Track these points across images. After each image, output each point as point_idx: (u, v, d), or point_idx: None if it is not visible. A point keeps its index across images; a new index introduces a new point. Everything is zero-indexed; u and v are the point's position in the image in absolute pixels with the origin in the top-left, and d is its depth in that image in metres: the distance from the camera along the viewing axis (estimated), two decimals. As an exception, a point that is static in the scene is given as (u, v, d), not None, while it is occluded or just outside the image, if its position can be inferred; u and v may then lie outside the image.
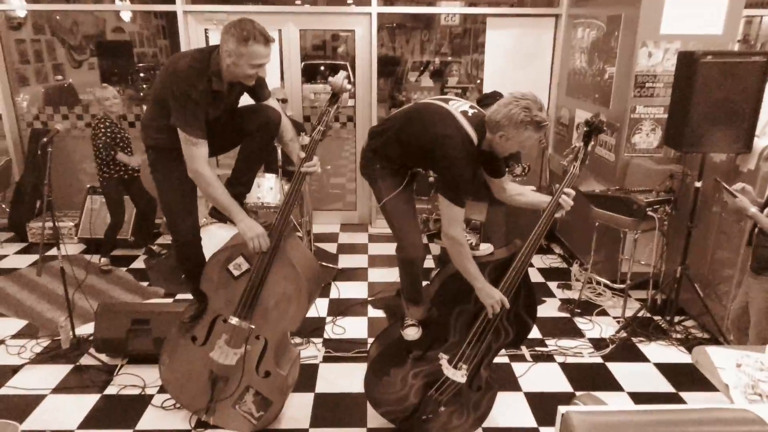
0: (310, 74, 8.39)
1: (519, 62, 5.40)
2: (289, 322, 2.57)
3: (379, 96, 5.73)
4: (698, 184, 3.47)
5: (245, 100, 2.61)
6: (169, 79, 2.31)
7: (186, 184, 2.48)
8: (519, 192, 2.55)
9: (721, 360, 2.10)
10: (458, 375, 2.50)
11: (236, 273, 2.50)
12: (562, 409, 1.26)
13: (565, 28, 5.20)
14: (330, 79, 2.32)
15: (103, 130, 4.28)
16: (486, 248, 2.50)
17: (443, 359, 2.53)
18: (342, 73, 2.33)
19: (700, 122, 3.25)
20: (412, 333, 2.55)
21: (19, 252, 4.99)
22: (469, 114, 2.32)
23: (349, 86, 2.33)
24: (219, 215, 2.54)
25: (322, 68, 8.93)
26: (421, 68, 8.00)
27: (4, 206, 5.38)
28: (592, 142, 2.33)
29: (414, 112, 2.41)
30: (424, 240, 5.31)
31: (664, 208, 3.68)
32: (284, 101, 4.61)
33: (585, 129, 2.31)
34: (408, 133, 2.37)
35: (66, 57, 6.46)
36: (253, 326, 2.54)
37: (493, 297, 2.35)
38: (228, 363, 2.59)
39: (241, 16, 2.36)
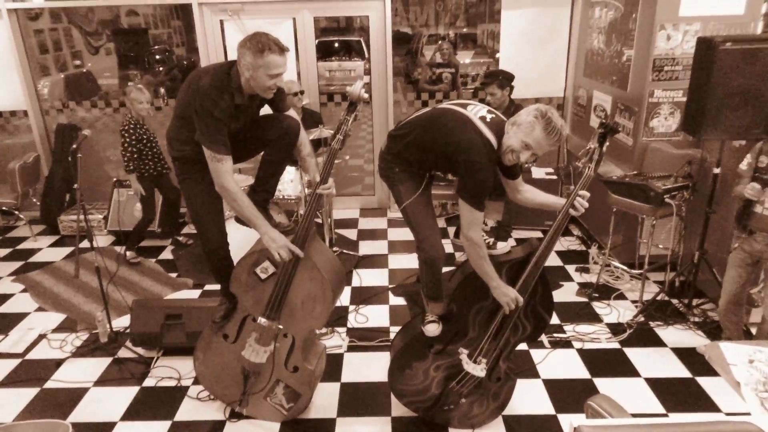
0: (324, 51, 8.38)
1: (536, 41, 5.34)
2: (315, 321, 2.69)
3: (395, 70, 5.71)
4: (717, 171, 3.46)
5: (265, 110, 2.69)
6: (191, 98, 2.39)
7: (213, 194, 2.58)
8: (534, 193, 2.60)
9: (734, 356, 2.16)
10: (478, 369, 2.61)
11: (263, 276, 2.62)
12: (574, 422, 1.35)
13: (582, 6, 5.12)
14: (348, 89, 2.37)
15: (130, 132, 4.36)
16: (503, 247, 2.58)
17: (463, 354, 2.63)
18: (359, 83, 2.38)
19: (719, 109, 3.22)
20: (432, 329, 2.65)
21: (52, 245, 5.20)
22: (488, 119, 2.37)
23: (366, 95, 2.39)
24: (244, 222, 2.64)
25: (336, 45, 8.92)
26: (438, 41, 7.93)
27: (35, 200, 5.58)
28: (607, 143, 2.36)
29: (434, 119, 2.45)
30: (443, 224, 5.40)
31: (682, 194, 3.68)
32: (301, 93, 4.65)
33: (600, 131, 2.34)
34: (429, 140, 2.42)
35: (83, 43, 6.58)
36: (281, 326, 2.67)
37: (508, 295, 2.44)
38: (258, 361, 2.74)
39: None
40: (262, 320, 2.66)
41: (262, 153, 2.76)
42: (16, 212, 5.43)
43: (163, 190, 4.79)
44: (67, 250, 5.03)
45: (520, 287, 2.46)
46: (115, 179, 5.28)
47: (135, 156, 4.42)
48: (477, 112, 2.38)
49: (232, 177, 2.48)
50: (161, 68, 7.41)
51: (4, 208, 5.39)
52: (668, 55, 3.87)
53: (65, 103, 5.85)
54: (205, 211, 2.67)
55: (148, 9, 6.96)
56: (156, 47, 7.39)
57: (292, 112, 2.68)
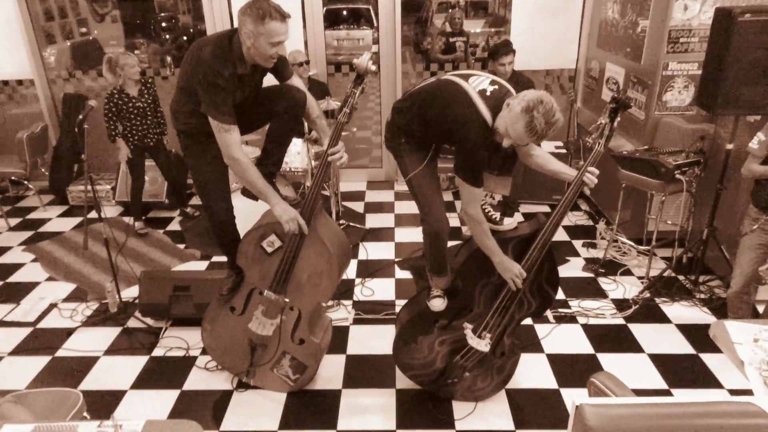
0: (332, 19, 8.22)
1: (548, 10, 5.20)
2: (321, 295, 2.71)
3: (404, 39, 5.59)
4: (730, 146, 3.40)
5: (269, 80, 2.64)
6: (194, 69, 2.36)
7: (218, 166, 2.57)
8: (546, 159, 2.55)
9: (739, 335, 2.15)
10: (482, 344, 2.63)
11: (269, 250, 2.63)
12: (576, 401, 1.35)
13: (597, -26, 4.98)
14: (355, 61, 2.33)
15: (108, 101, 4.34)
16: (509, 223, 2.56)
17: (468, 329, 2.65)
18: (367, 54, 2.33)
19: (735, 83, 3.13)
20: (437, 304, 2.66)
21: (62, 215, 5.24)
22: (488, 93, 2.30)
23: (373, 67, 2.34)
24: (251, 194, 2.63)
25: (345, 13, 8.74)
26: (449, 9, 7.75)
27: (43, 170, 5.60)
28: (618, 119, 2.32)
29: (433, 91, 2.40)
30: (450, 198, 5.37)
31: (693, 170, 3.63)
32: (307, 63, 4.59)
33: (611, 106, 2.30)
34: (429, 113, 2.39)
35: (89, 11, 6.49)
36: (287, 299, 2.69)
37: (511, 271, 2.43)
38: (265, 333, 2.77)
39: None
40: (268, 293, 2.68)
41: (268, 125, 2.73)
42: (26, 182, 5.46)
43: (158, 163, 4.77)
44: (77, 220, 5.07)
45: (526, 264, 2.45)
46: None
47: (115, 125, 4.41)
48: (478, 84, 2.31)
49: (241, 148, 2.46)
50: (167, 36, 7.33)
51: (13, 177, 5.43)
52: (685, 26, 3.77)
53: (71, 72, 5.81)
54: (211, 184, 2.66)
55: (153, -26, 6.84)
56: (162, 15, 7.29)
57: (297, 80, 2.63)
